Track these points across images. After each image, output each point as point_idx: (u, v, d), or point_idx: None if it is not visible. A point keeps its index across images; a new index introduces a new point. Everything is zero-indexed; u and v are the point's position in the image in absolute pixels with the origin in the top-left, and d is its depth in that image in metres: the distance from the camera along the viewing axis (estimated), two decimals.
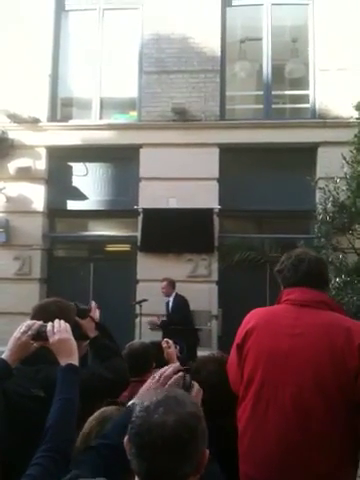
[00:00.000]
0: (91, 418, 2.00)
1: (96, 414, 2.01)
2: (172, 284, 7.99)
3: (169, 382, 1.62)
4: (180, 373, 1.64)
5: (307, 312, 2.14)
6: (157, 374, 1.69)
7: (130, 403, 1.66)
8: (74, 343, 1.86)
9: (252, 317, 2.25)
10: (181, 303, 7.91)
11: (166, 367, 1.69)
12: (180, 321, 7.60)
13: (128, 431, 1.31)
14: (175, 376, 1.63)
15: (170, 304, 7.96)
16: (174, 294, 7.98)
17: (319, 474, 1.95)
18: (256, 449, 2.04)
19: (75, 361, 1.84)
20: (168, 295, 7.96)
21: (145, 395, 1.56)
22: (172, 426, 1.24)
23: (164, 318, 7.83)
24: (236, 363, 2.21)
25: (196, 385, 1.66)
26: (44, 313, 2.36)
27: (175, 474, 1.25)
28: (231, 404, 2.22)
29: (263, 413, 2.06)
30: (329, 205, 7.23)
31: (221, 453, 1.74)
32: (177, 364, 1.69)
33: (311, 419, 1.98)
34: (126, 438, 1.32)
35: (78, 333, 2.45)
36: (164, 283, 7.93)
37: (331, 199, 7.21)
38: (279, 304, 2.28)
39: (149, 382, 1.67)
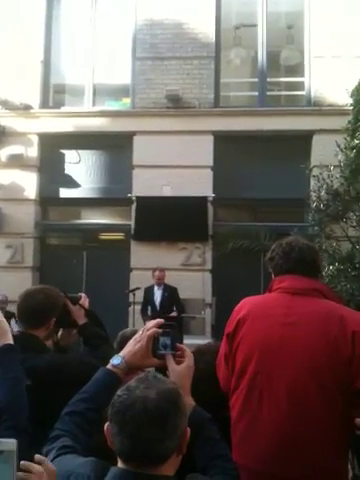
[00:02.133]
0: None
1: None
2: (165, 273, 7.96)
3: (147, 333, 1.64)
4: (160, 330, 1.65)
5: (300, 300, 2.11)
6: (141, 329, 1.70)
7: (113, 359, 1.66)
8: (5, 324, 1.85)
9: (243, 306, 2.21)
10: (176, 296, 7.87)
11: (151, 321, 1.70)
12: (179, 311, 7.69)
13: (109, 412, 1.31)
14: (154, 329, 1.64)
15: (158, 293, 7.88)
16: (163, 284, 7.92)
17: (314, 465, 1.93)
18: (250, 440, 2.02)
19: (10, 340, 1.82)
20: (161, 284, 7.90)
21: (129, 347, 1.65)
22: (154, 399, 1.26)
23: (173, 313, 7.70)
24: (226, 355, 2.18)
25: (187, 350, 1.68)
26: (31, 300, 2.33)
27: (158, 449, 1.24)
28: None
29: (257, 403, 2.03)
30: (323, 193, 7.20)
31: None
32: (161, 320, 1.68)
33: (306, 409, 1.95)
34: (107, 424, 1.32)
35: (67, 320, 2.43)
36: (161, 273, 7.85)
37: (325, 187, 7.18)
38: (271, 292, 2.24)
39: (134, 337, 1.69)
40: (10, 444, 1.16)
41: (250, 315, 2.14)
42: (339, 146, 7.12)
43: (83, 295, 2.54)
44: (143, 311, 7.90)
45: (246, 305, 2.21)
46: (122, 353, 1.67)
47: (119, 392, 1.32)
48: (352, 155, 6.88)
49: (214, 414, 1.71)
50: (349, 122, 7.18)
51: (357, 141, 6.80)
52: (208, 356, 2.31)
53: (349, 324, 1.99)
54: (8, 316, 7.47)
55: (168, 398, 1.28)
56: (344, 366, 1.94)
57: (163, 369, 1.64)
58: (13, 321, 7.58)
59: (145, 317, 7.70)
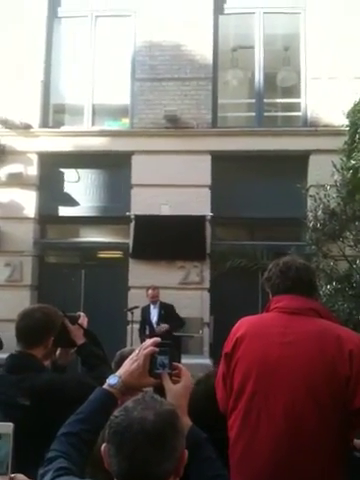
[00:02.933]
0: None
1: None
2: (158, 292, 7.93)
3: (144, 352, 1.63)
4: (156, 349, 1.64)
5: (297, 320, 2.12)
6: (138, 347, 1.70)
7: (110, 378, 1.65)
8: None
9: (241, 326, 2.22)
10: (173, 312, 7.84)
11: (148, 340, 1.69)
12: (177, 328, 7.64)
13: (106, 433, 1.30)
14: (151, 347, 1.63)
15: (154, 312, 7.85)
16: (159, 302, 7.88)
17: None
18: (248, 460, 2.01)
19: None
20: (156, 302, 7.89)
21: (126, 367, 1.63)
22: (152, 420, 1.25)
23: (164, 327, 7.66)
24: (224, 375, 2.19)
25: (184, 369, 1.66)
26: (29, 320, 2.34)
27: (155, 471, 1.23)
28: None
29: (255, 423, 2.03)
30: (319, 212, 7.25)
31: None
32: (158, 339, 1.67)
33: (303, 430, 1.95)
34: (103, 445, 1.30)
35: (65, 340, 2.43)
36: (155, 291, 7.83)
37: (321, 206, 7.22)
38: (268, 312, 2.26)
39: (130, 356, 1.68)
40: (7, 427, 1.30)
41: (248, 335, 2.15)
42: (335, 166, 7.19)
43: (82, 314, 2.54)
44: (141, 330, 7.88)
45: (244, 325, 2.22)
46: (119, 372, 1.65)
47: (116, 413, 1.31)
48: (349, 175, 6.95)
49: (212, 434, 1.71)
50: (345, 143, 7.27)
51: (353, 162, 6.87)
52: (212, 380, 2.32)
53: (346, 343, 2.00)
54: None
55: (166, 419, 1.27)
56: (341, 385, 1.95)
57: (161, 389, 1.64)
58: None
59: (143, 336, 7.68)
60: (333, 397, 1.95)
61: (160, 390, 1.61)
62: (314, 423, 1.95)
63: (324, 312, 2.24)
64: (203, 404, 2.19)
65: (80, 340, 2.45)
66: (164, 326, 7.53)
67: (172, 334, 7.51)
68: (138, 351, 1.66)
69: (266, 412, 2.01)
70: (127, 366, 1.65)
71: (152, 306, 7.86)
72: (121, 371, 1.65)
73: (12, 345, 2.57)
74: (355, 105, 7.30)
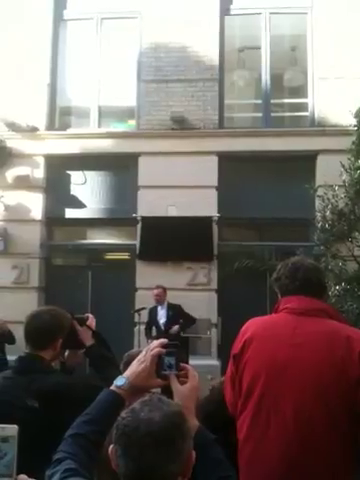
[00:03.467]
0: None
1: None
2: (165, 292, 7.88)
3: (151, 353, 1.62)
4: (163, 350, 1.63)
5: (306, 321, 2.10)
6: (145, 348, 1.69)
7: (117, 380, 1.64)
8: None
9: (250, 327, 2.21)
10: (181, 312, 7.81)
11: (155, 341, 1.68)
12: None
13: (113, 434, 1.30)
14: (158, 349, 1.62)
15: (162, 313, 7.84)
16: (166, 302, 7.88)
17: None
18: (258, 462, 2.00)
19: None
20: (161, 303, 7.86)
21: (133, 368, 1.63)
22: (159, 421, 1.25)
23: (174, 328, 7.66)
24: (233, 376, 2.17)
25: (191, 369, 1.65)
26: (37, 322, 2.33)
27: (163, 473, 1.23)
28: None
29: (264, 425, 2.01)
30: (328, 213, 7.21)
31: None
32: (164, 340, 1.67)
33: (313, 432, 1.93)
34: (111, 446, 1.31)
35: (74, 342, 2.42)
36: (160, 290, 7.80)
37: (330, 207, 7.18)
38: (277, 313, 2.24)
39: (137, 358, 1.67)
40: (12, 430, 1.31)
41: (256, 336, 2.14)
42: (344, 166, 7.14)
43: (90, 316, 2.53)
44: (147, 331, 7.86)
45: (252, 326, 2.21)
46: (126, 374, 1.65)
47: (123, 414, 1.31)
48: (357, 175, 6.91)
49: (224, 437, 1.69)
50: (353, 143, 7.22)
51: None
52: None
53: (355, 344, 1.98)
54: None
55: (173, 421, 1.27)
56: (351, 387, 1.93)
57: (169, 391, 1.62)
58: None
59: (149, 337, 7.66)
60: (342, 398, 1.94)
61: (168, 391, 1.60)
62: (324, 424, 1.94)
63: (333, 313, 2.22)
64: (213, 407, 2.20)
65: (88, 342, 2.44)
66: (176, 328, 7.52)
67: (180, 335, 7.50)
68: (145, 352, 1.65)
69: (275, 413, 1.99)
70: (134, 367, 1.64)
71: (160, 307, 7.84)
72: (128, 372, 1.65)
73: (21, 347, 2.57)
74: None
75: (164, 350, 1.63)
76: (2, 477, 1.27)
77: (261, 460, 1.99)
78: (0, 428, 1.29)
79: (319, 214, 7.48)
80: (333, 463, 1.93)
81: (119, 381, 1.63)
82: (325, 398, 1.95)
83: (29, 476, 1.94)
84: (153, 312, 7.89)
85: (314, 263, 2.34)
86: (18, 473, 1.86)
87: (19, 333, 2.48)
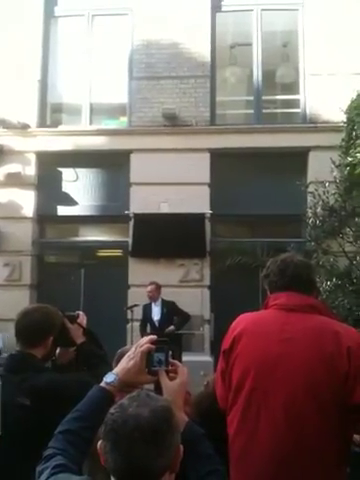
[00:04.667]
0: None
1: None
2: (159, 288, 7.87)
3: (141, 349, 1.63)
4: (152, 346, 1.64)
5: (295, 317, 2.12)
6: (134, 345, 1.70)
7: (107, 376, 1.66)
8: None
9: (239, 323, 2.23)
10: (176, 308, 7.82)
11: (144, 338, 1.70)
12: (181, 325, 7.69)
13: (102, 430, 1.31)
14: (147, 345, 1.64)
15: (156, 309, 7.85)
16: (161, 299, 7.89)
17: None
18: (248, 458, 2.01)
19: None
20: (154, 299, 7.86)
21: (122, 364, 1.64)
22: (147, 417, 1.26)
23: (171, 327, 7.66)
24: (223, 371, 2.19)
25: (181, 366, 1.67)
26: (29, 319, 2.34)
27: (151, 467, 1.24)
28: None
29: (254, 420, 2.03)
30: (319, 209, 7.24)
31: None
32: (154, 336, 1.68)
33: (304, 428, 1.95)
34: (100, 442, 1.32)
35: (65, 339, 2.43)
36: (152, 287, 7.80)
37: (320, 203, 7.21)
38: (266, 309, 2.26)
39: (127, 354, 1.68)
40: None
41: (246, 332, 2.15)
42: (334, 163, 7.18)
43: (81, 313, 2.54)
44: (141, 328, 7.86)
45: (242, 322, 2.23)
46: (116, 370, 1.67)
47: (112, 410, 1.32)
48: (346, 172, 6.94)
49: (220, 432, 1.71)
50: (343, 139, 7.26)
51: (350, 158, 6.87)
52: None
53: (344, 340, 2.00)
54: None
55: (161, 416, 1.28)
56: (340, 381, 1.95)
57: (160, 386, 1.64)
58: None
59: (144, 334, 7.65)
60: (333, 393, 1.96)
61: (159, 387, 1.62)
62: (315, 420, 1.95)
63: (323, 308, 2.24)
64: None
65: (80, 339, 2.46)
66: (171, 329, 7.52)
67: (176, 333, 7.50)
68: (134, 349, 1.67)
69: (265, 409, 2.01)
70: (124, 364, 1.66)
71: (154, 304, 7.85)
72: (118, 369, 1.67)
73: (12, 345, 2.56)
74: (352, 102, 7.29)
75: (153, 346, 1.65)
76: None
77: (252, 455, 2.00)
78: None
79: (310, 210, 7.52)
80: (324, 457, 1.94)
81: (109, 378, 1.65)
82: (315, 393, 1.96)
83: (22, 473, 1.95)
84: (147, 309, 7.89)
85: (303, 259, 2.36)
86: (10, 469, 1.87)
87: (11, 331, 2.48)
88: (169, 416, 1.31)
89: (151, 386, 1.69)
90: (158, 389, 1.61)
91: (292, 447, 1.94)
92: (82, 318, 2.51)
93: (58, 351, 2.51)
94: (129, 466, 1.24)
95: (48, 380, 2.21)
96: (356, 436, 2.17)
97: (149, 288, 7.79)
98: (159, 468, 1.26)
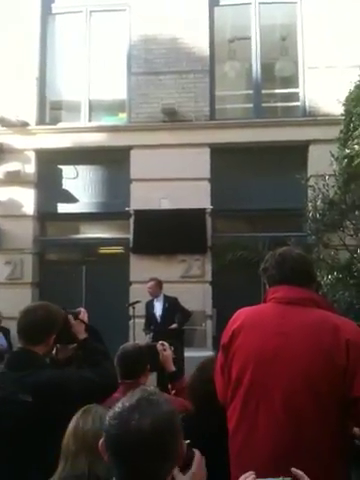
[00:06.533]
0: (76, 415, 1.97)
1: (79, 411, 1.98)
2: (160, 285, 7.88)
3: None
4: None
5: (294, 310, 2.12)
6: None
7: None
8: None
9: (238, 317, 2.23)
10: (177, 305, 7.82)
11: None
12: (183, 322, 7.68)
13: (103, 436, 1.28)
14: None
15: (158, 305, 7.86)
16: (162, 295, 7.90)
17: (312, 474, 1.92)
18: (248, 452, 2.01)
19: None
20: (155, 295, 7.87)
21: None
22: (150, 431, 1.22)
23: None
24: (222, 366, 2.19)
25: (198, 454, 1.52)
26: (31, 317, 2.34)
27: (157, 474, 1.24)
28: None
29: (253, 414, 2.03)
30: (319, 202, 7.22)
31: None
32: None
33: (302, 422, 1.94)
34: (101, 441, 1.29)
35: (67, 336, 2.43)
36: (152, 283, 7.81)
37: (320, 196, 7.19)
38: (265, 303, 2.26)
39: None
40: None
41: (245, 325, 2.15)
42: (333, 156, 7.15)
43: (82, 310, 2.54)
44: (145, 326, 7.86)
45: (241, 316, 2.23)
46: None
47: (111, 420, 1.27)
48: (344, 164, 6.91)
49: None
50: (341, 131, 7.23)
51: (348, 150, 6.83)
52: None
53: (342, 333, 1.99)
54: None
55: (164, 427, 1.25)
56: (338, 375, 1.94)
57: (165, 383, 1.62)
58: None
59: (147, 331, 7.68)
60: (331, 387, 1.95)
61: (162, 384, 1.60)
62: (313, 414, 1.95)
63: (322, 302, 2.24)
64: (213, 386, 2.22)
65: (82, 335, 2.46)
66: (174, 326, 7.53)
67: (180, 329, 7.51)
68: None
69: (264, 403, 2.01)
70: None
71: (156, 300, 7.86)
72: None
73: (14, 343, 2.57)
74: (350, 93, 7.26)
75: None
76: None
77: (251, 449, 2.00)
78: None
79: (310, 204, 7.51)
80: (323, 451, 1.94)
81: None
82: (314, 386, 1.96)
83: (23, 469, 1.96)
84: (149, 305, 7.90)
85: (301, 253, 2.36)
86: (10, 466, 1.87)
87: (13, 329, 2.48)
88: (172, 423, 1.28)
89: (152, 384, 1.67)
90: (161, 386, 1.57)
91: (291, 441, 1.93)
92: (83, 314, 2.52)
93: (57, 347, 2.51)
94: (134, 476, 1.23)
95: (50, 376, 2.21)
96: (356, 429, 2.17)
97: (149, 284, 7.80)
98: (165, 471, 1.26)
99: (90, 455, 1.77)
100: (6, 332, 8.02)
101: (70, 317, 2.45)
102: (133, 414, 1.25)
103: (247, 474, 1.51)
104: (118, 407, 1.29)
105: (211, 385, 2.27)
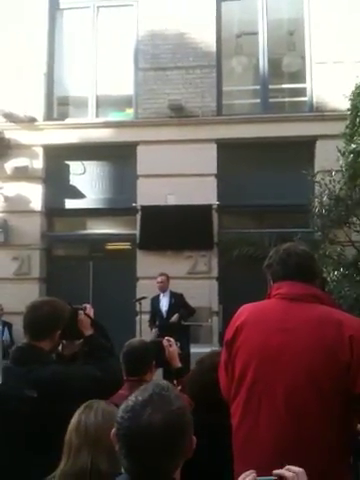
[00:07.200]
0: (78, 410, 1.98)
1: (82, 406, 1.99)
2: (168, 279, 7.98)
3: None
4: None
5: (297, 306, 2.12)
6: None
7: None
8: None
9: (242, 313, 2.23)
10: (183, 301, 7.88)
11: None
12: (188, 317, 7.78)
13: (115, 429, 1.30)
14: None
15: (164, 301, 7.90)
16: (169, 291, 7.94)
17: (315, 470, 1.92)
18: (251, 448, 2.02)
19: None
20: (164, 290, 7.93)
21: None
22: (162, 427, 1.25)
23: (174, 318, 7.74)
24: (226, 362, 2.20)
25: None
26: (37, 313, 2.35)
27: (166, 469, 1.27)
28: None
29: (256, 410, 2.03)
30: (325, 198, 7.18)
31: None
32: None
33: (305, 417, 1.95)
34: (113, 431, 1.31)
35: (73, 332, 2.44)
36: (162, 278, 7.89)
37: (327, 192, 7.15)
38: (269, 299, 2.26)
39: None
40: None
41: (248, 322, 2.15)
42: (340, 151, 7.11)
43: (88, 305, 2.55)
44: (151, 321, 7.91)
45: (244, 312, 2.23)
46: None
47: (123, 413, 1.29)
48: (350, 159, 6.86)
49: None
50: (347, 126, 7.19)
51: (354, 145, 6.78)
52: (215, 358, 2.37)
53: (346, 329, 1.99)
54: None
55: (175, 423, 1.27)
56: (342, 371, 1.94)
57: (170, 379, 1.62)
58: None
59: (153, 327, 7.72)
60: (334, 383, 1.95)
61: (168, 380, 1.60)
62: (316, 410, 1.95)
63: (325, 298, 2.23)
64: (210, 377, 2.24)
65: (88, 331, 2.46)
66: (175, 317, 7.58)
67: (181, 323, 7.56)
68: None
69: (267, 399, 2.01)
70: None
71: (162, 295, 7.90)
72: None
73: (20, 338, 2.59)
74: (356, 88, 7.20)
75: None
76: None
77: (254, 445, 2.00)
78: None
79: (316, 199, 7.47)
80: (326, 447, 1.94)
81: None
82: (317, 382, 1.96)
83: (26, 464, 1.98)
84: (155, 301, 7.95)
85: (306, 249, 2.35)
86: (14, 461, 1.89)
87: (20, 324, 2.50)
88: (182, 420, 1.30)
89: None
90: (167, 378, 1.59)
91: (293, 437, 1.94)
92: (89, 310, 2.52)
93: (63, 343, 2.52)
94: (144, 470, 1.26)
95: (55, 372, 2.22)
96: None
97: (159, 279, 7.86)
98: (172, 466, 1.29)
99: (92, 450, 1.78)
100: (8, 326, 8.15)
101: (80, 313, 2.46)
102: (145, 409, 1.27)
103: (248, 473, 1.52)
104: (131, 400, 1.31)
105: (208, 376, 2.28)
